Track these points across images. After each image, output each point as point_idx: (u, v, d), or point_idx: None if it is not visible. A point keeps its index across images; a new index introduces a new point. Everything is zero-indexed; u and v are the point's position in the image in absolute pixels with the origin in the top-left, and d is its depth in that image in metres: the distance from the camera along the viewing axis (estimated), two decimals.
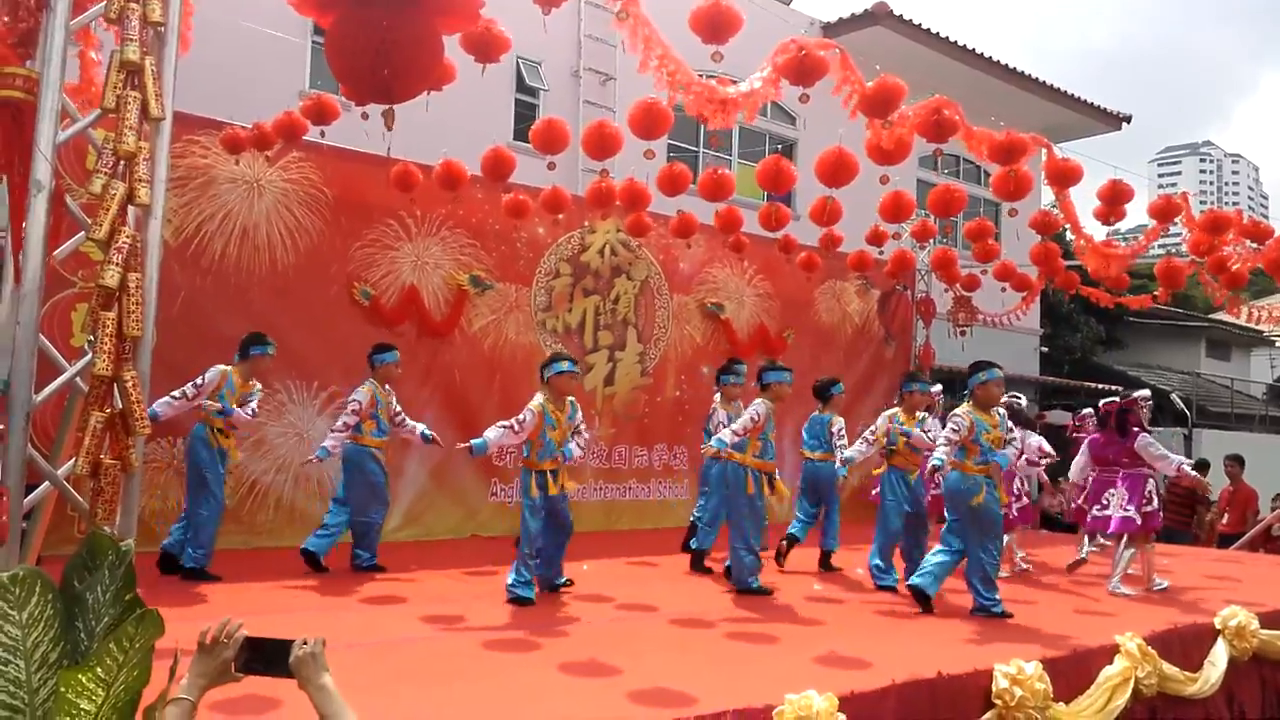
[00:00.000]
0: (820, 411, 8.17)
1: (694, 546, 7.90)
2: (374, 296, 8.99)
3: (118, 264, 3.30)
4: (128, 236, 3.35)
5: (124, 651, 2.40)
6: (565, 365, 6.31)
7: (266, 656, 2.24)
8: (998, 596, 6.31)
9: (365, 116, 6.63)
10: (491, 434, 6.04)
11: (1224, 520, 12.47)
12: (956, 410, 6.46)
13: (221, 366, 6.74)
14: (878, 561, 7.28)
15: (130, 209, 3.47)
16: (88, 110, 4.92)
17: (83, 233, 3.58)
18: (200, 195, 8.10)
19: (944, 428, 7.51)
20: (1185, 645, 5.78)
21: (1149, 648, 5.30)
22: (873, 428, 7.50)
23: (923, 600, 6.27)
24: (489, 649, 4.91)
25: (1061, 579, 8.04)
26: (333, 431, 7.07)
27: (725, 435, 6.63)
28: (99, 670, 2.35)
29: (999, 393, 6.60)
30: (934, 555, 6.40)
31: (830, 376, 8.50)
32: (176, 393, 6.53)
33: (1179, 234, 10.34)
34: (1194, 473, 7.77)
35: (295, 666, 2.20)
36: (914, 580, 6.37)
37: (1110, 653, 5.21)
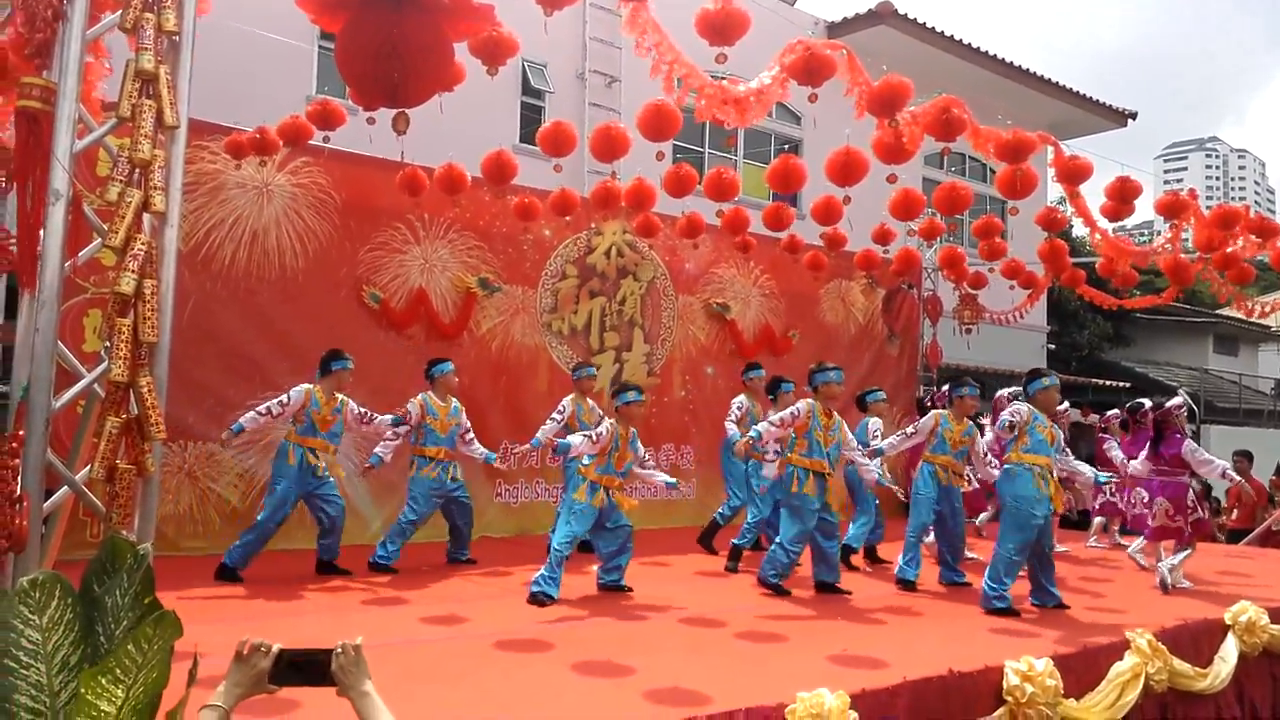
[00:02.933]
0: (864, 416, 8.51)
1: (735, 543, 8.02)
2: (383, 300, 9.02)
3: (134, 271, 3.33)
4: (143, 243, 3.39)
5: (142, 653, 2.42)
6: (634, 395, 6.60)
7: (303, 667, 2.19)
8: (1006, 591, 6.34)
9: (372, 121, 6.65)
10: (576, 439, 6.36)
11: (1233, 516, 12.45)
12: (1013, 405, 6.81)
13: (305, 386, 6.98)
14: (903, 555, 7.35)
15: (145, 216, 3.51)
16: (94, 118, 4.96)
17: (99, 240, 3.61)
18: (210, 200, 8.13)
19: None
20: (1195, 641, 5.80)
21: (1159, 643, 5.33)
22: (915, 425, 7.65)
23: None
24: (501, 649, 4.94)
25: (1071, 575, 8.03)
26: (383, 440, 7.50)
27: (761, 426, 6.87)
28: (118, 671, 2.37)
29: (1057, 398, 6.95)
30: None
31: (871, 386, 9.05)
32: (262, 408, 6.85)
33: (1186, 230, 10.32)
34: (1237, 476, 8.02)
35: (338, 675, 2.17)
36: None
37: (1120, 649, 5.23)
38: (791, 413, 6.80)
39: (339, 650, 2.18)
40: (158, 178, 3.43)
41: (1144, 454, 7.97)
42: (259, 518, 6.82)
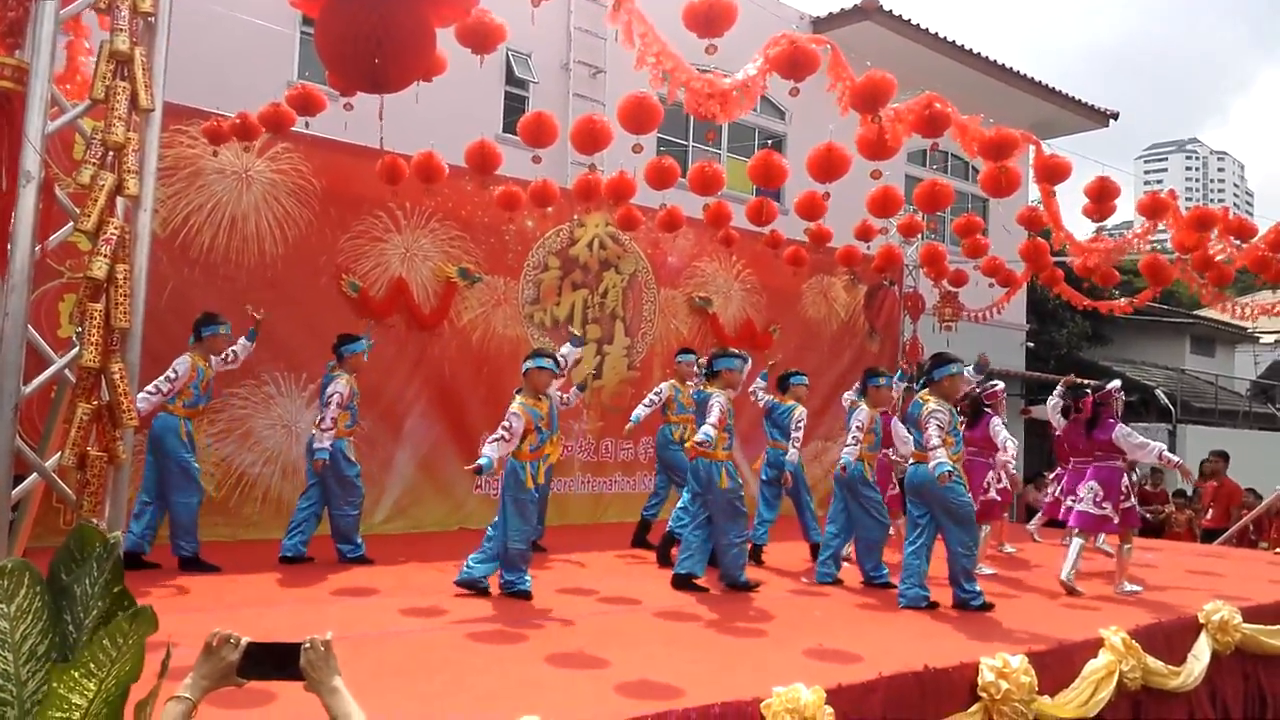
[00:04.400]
0: (781, 400, 8.14)
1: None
2: (362, 289, 8.95)
3: (106, 255, 3.28)
4: (116, 228, 3.34)
5: (117, 647, 2.38)
6: (542, 361, 6.34)
7: (272, 661, 2.16)
8: (978, 589, 6.36)
9: (349, 107, 6.61)
10: (491, 451, 5.94)
11: (1208, 515, 12.57)
12: (933, 407, 6.38)
13: (186, 357, 6.69)
14: (869, 561, 7.22)
15: (119, 200, 3.46)
16: (73, 99, 4.89)
17: (71, 223, 3.56)
18: (188, 186, 8.05)
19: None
20: (1169, 639, 5.83)
21: (1133, 641, 5.35)
22: (858, 424, 7.27)
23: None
24: (476, 641, 4.91)
25: (1046, 573, 8.07)
26: (324, 431, 6.96)
27: (709, 430, 6.50)
28: (91, 665, 2.33)
29: (962, 386, 6.82)
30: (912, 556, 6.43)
31: (793, 369, 8.52)
32: (151, 387, 6.49)
33: (1164, 231, 10.38)
34: (1175, 457, 7.52)
35: (307, 670, 2.13)
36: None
37: (1095, 646, 5.26)
38: (720, 410, 6.56)
39: (308, 645, 2.15)
40: (132, 161, 3.38)
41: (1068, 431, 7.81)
42: (184, 499, 6.61)
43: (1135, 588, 7.22)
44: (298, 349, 8.53)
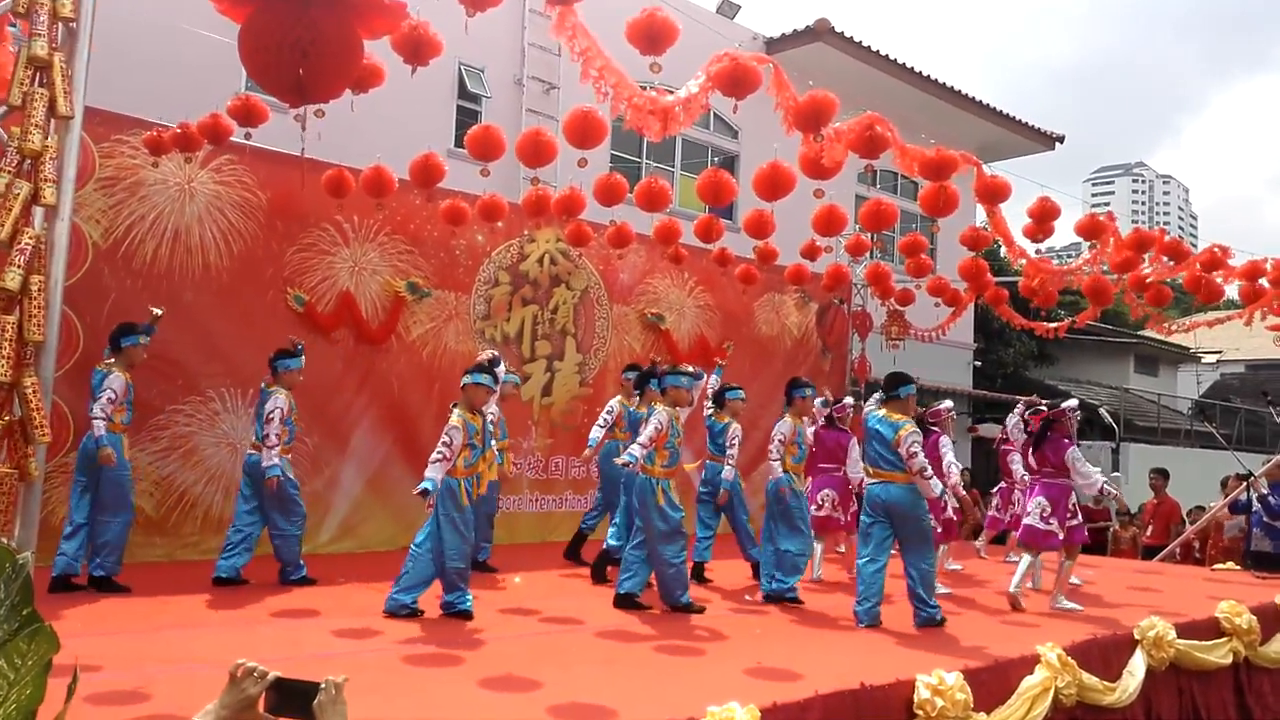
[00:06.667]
0: (719, 417, 7.95)
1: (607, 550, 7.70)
2: (309, 302, 8.82)
3: (20, 266, 3.19)
4: (31, 238, 3.25)
5: (15, 669, 2.31)
6: (476, 377, 6.30)
7: (294, 699, 2.13)
8: (937, 604, 6.38)
9: (298, 118, 6.53)
10: (432, 472, 5.95)
11: (1148, 533, 12.75)
12: (912, 429, 6.38)
13: (117, 374, 6.51)
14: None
15: (36, 209, 3.37)
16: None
17: None
18: (130, 196, 7.89)
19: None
20: (1105, 655, 5.88)
21: (1069, 658, 5.38)
22: (780, 437, 7.33)
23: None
24: (409, 663, 4.83)
25: (983, 590, 8.13)
26: (270, 448, 6.85)
27: (635, 450, 6.43)
28: None
29: (914, 405, 6.80)
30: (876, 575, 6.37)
31: (728, 384, 8.25)
32: (100, 411, 6.37)
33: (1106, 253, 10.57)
34: (1115, 491, 7.64)
35: (316, 711, 2.10)
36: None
37: (1031, 663, 5.28)
38: (656, 427, 6.47)
39: (324, 685, 2.13)
40: (49, 169, 3.30)
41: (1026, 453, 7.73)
42: (122, 519, 6.54)
43: (1073, 605, 7.25)
44: (244, 364, 8.37)
